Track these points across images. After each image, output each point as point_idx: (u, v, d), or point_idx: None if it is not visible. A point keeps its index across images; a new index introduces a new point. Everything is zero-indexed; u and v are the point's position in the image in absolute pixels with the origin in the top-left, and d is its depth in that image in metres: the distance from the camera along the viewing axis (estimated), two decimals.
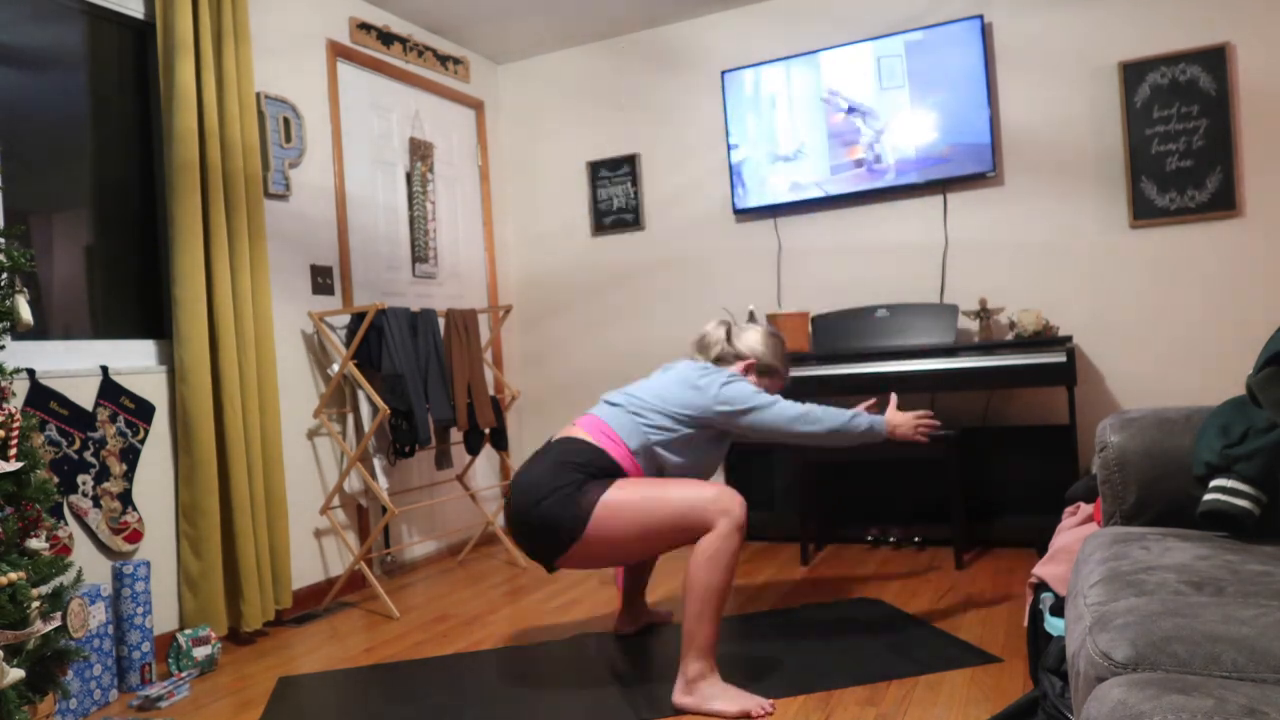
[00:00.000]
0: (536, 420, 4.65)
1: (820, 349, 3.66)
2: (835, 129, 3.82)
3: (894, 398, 2.50)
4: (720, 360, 2.52)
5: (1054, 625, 1.90)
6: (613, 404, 2.37)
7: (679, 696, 2.09)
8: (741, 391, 2.31)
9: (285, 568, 3.01)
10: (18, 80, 2.60)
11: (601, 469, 2.22)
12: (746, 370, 2.51)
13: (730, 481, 3.89)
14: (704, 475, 2.42)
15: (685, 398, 2.32)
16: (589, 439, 2.27)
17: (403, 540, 3.81)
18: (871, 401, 2.52)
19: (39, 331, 2.59)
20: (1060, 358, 3.12)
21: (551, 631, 2.79)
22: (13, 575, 1.68)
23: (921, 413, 2.42)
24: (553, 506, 2.12)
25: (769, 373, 2.54)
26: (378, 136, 3.87)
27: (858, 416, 2.35)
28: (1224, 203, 3.29)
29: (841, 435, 2.33)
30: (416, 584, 3.54)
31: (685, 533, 2.12)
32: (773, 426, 2.30)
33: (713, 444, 2.39)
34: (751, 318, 3.85)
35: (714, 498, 2.11)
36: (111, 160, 2.87)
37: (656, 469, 2.33)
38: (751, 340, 2.53)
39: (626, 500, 2.12)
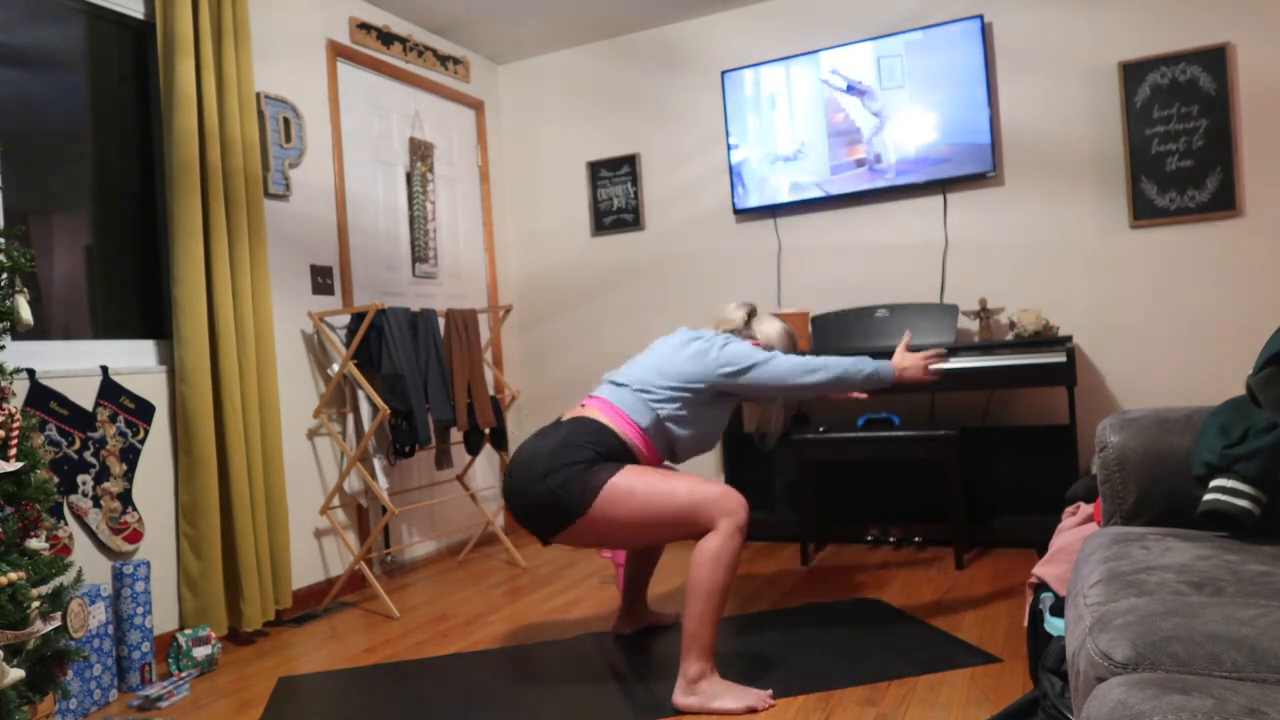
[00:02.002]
0: (536, 420, 4.65)
1: (820, 349, 3.66)
2: (835, 129, 3.82)
3: (907, 336, 2.47)
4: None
5: (1054, 625, 1.90)
6: (618, 384, 2.36)
7: (680, 697, 2.09)
8: (740, 350, 2.29)
9: (285, 568, 3.01)
10: (18, 80, 2.60)
11: (612, 449, 2.21)
12: None
13: (730, 481, 3.89)
14: (713, 441, 2.41)
15: (687, 368, 2.30)
16: (601, 418, 2.26)
17: (403, 540, 3.81)
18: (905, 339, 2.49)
19: (39, 331, 2.59)
20: (1060, 358, 3.12)
21: (551, 631, 2.79)
22: (13, 575, 1.68)
23: (931, 352, 2.39)
24: (560, 482, 2.11)
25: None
26: (378, 136, 3.87)
27: (861, 360, 2.32)
28: (1224, 203, 3.29)
29: (846, 382, 2.30)
30: (416, 584, 3.54)
31: (686, 528, 2.12)
32: (775, 381, 2.27)
33: (719, 408, 2.37)
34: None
35: (719, 497, 2.11)
36: (111, 160, 2.87)
37: (667, 443, 2.32)
38: (768, 329, 2.52)
39: (633, 488, 2.11)
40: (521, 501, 2.17)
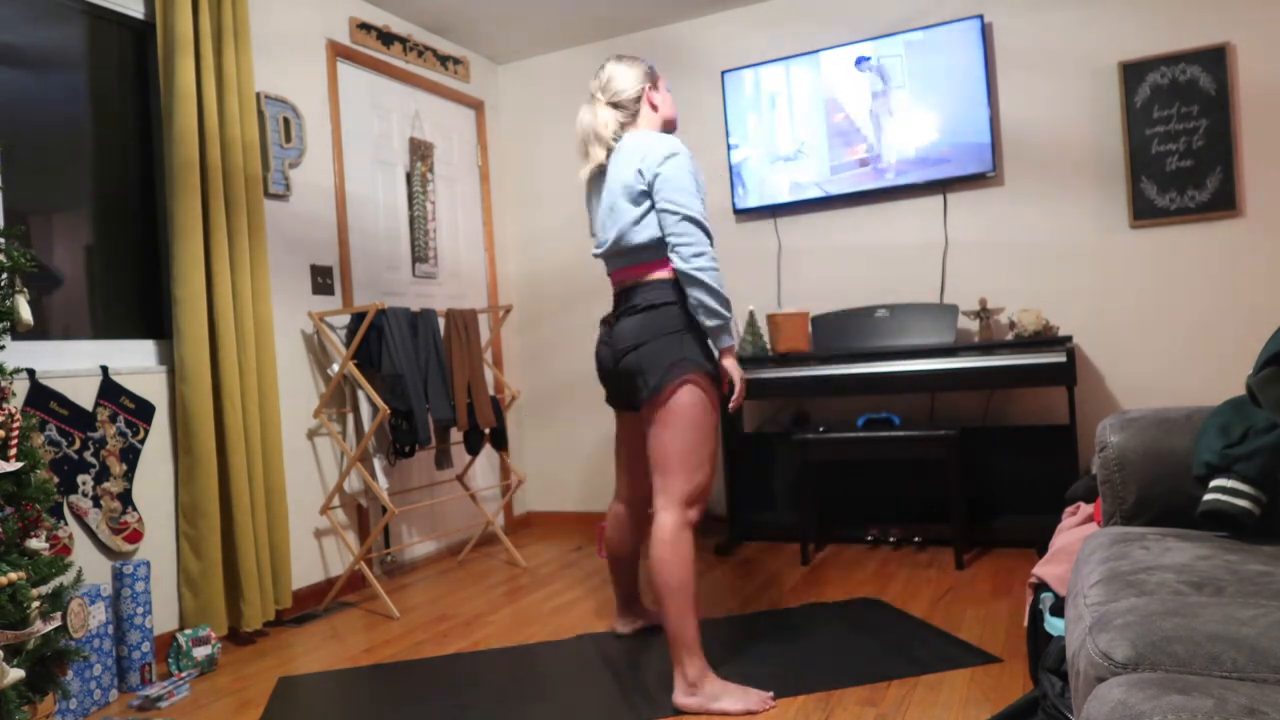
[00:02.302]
0: (536, 420, 4.65)
1: (820, 349, 3.66)
2: (835, 129, 3.82)
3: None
4: (630, 123, 2.32)
5: (1054, 625, 1.90)
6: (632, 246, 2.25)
7: (681, 698, 2.09)
8: (679, 176, 2.15)
9: (285, 568, 3.01)
10: (18, 80, 2.60)
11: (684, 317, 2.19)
12: (647, 96, 2.31)
13: (731, 481, 3.88)
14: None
15: (642, 206, 2.21)
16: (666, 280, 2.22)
17: (403, 540, 3.81)
18: None
19: (39, 331, 2.59)
20: (1060, 358, 3.12)
21: (552, 631, 2.79)
22: (13, 575, 1.68)
23: (741, 389, 2.25)
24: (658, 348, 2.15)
25: (650, 76, 2.34)
26: (378, 136, 3.87)
27: (730, 325, 2.19)
28: (1224, 203, 3.29)
29: (711, 297, 2.12)
30: (416, 584, 3.54)
31: (667, 471, 2.17)
32: (670, 195, 2.13)
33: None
34: (752, 319, 3.84)
35: (706, 483, 2.20)
36: (111, 160, 2.87)
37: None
38: (620, 79, 2.30)
39: (692, 407, 2.15)
40: (624, 356, 2.21)
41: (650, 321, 2.18)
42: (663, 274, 2.22)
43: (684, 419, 2.16)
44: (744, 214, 4.10)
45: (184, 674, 2.54)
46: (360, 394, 3.33)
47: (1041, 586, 2.06)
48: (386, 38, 3.90)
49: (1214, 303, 3.35)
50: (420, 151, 4.07)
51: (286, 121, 3.30)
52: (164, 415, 2.82)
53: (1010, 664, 2.23)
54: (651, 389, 2.15)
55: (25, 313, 1.87)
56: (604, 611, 2.96)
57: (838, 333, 3.68)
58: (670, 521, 2.15)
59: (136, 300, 2.92)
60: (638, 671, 2.37)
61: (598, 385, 4.48)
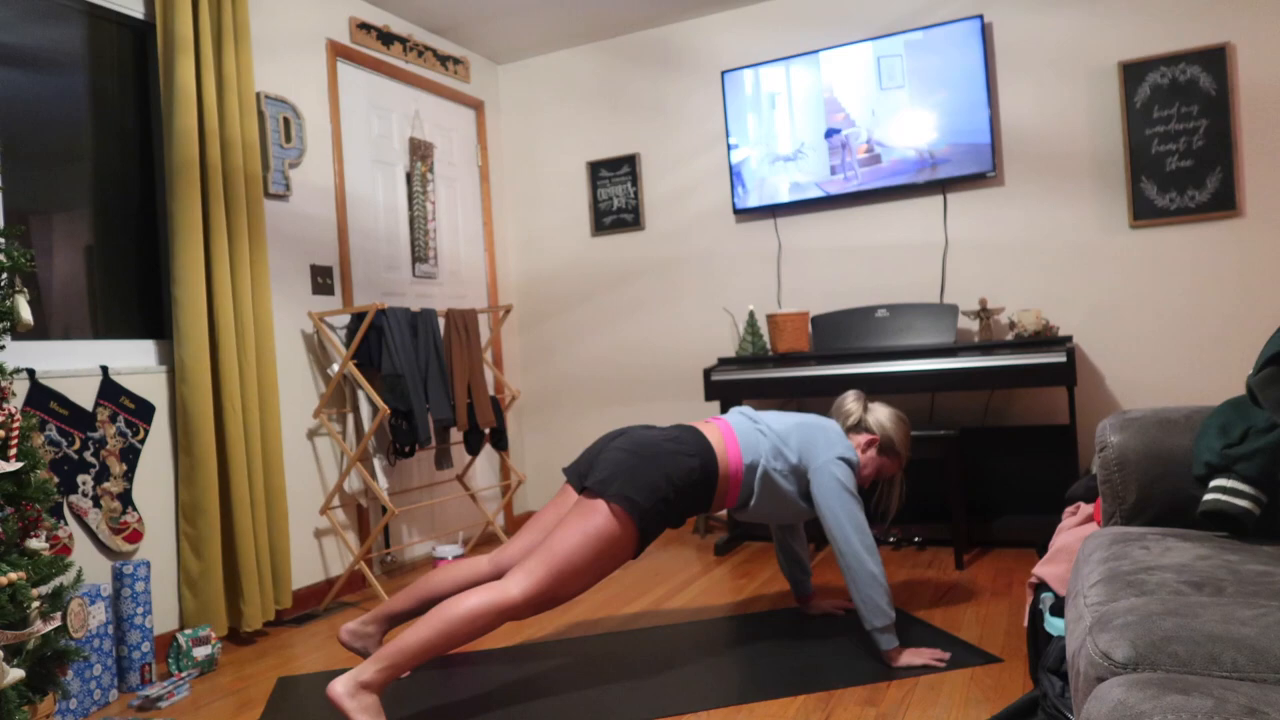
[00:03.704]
0: (536, 420, 4.65)
1: (820, 349, 3.66)
2: (835, 129, 3.82)
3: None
4: (852, 430, 2.59)
5: (1054, 625, 1.90)
6: (753, 421, 2.48)
7: (340, 687, 1.96)
8: (833, 470, 2.38)
9: (285, 568, 3.01)
10: (18, 80, 2.60)
11: (695, 480, 2.27)
12: (869, 444, 2.56)
13: None
14: (781, 518, 2.50)
15: (803, 445, 2.43)
16: (710, 439, 2.36)
17: (403, 540, 3.81)
18: None
19: (39, 331, 2.59)
20: (1060, 358, 3.12)
21: (551, 631, 2.79)
22: (13, 575, 1.68)
23: (937, 653, 2.31)
24: (637, 474, 2.18)
25: (890, 452, 2.58)
26: (378, 136, 3.87)
27: (888, 603, 2.28)
28: (1224, 203, 3.29)
29: (861, 577, 2.28)
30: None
31: (547, 561, 2.11)
32: (822, 501, 2.37)
33: (798, 495, 2.44)
34: (752, 319, 3.84)
35: (547, 588, 2.08)
36: (111, 160, 2.87)
37: (751, 492, 2.40)
38: (882, 416, 2.59)
39: (599, 532, 2.13)
40: (604, 457, 2.25)
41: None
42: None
43: (600, 531, 2.13)
44: (744, 214, 4.10)
45: (184, 674, 2.54)
46: (360, 394, 3.33)
47: (1041, 586, 2.06)
48: (386, 38, 3.90)
49: (1214, 303, 3.35)
50: (420, 151, 4.07)
51: (286, 121, 3.30)
52: (164, 415, 2.82)
53: (1010, 664, 2.23)
54: (598, 484, 2.17)
55: (25, 313, 1.87)
56: (604, 611, 2.96)
57: (838, 333, 3.68)
58: (504, 597, 2.03)
59: (136, 300, 2.92)
60: (638, 671, 2.37)
61: (598, 385, 4.49)
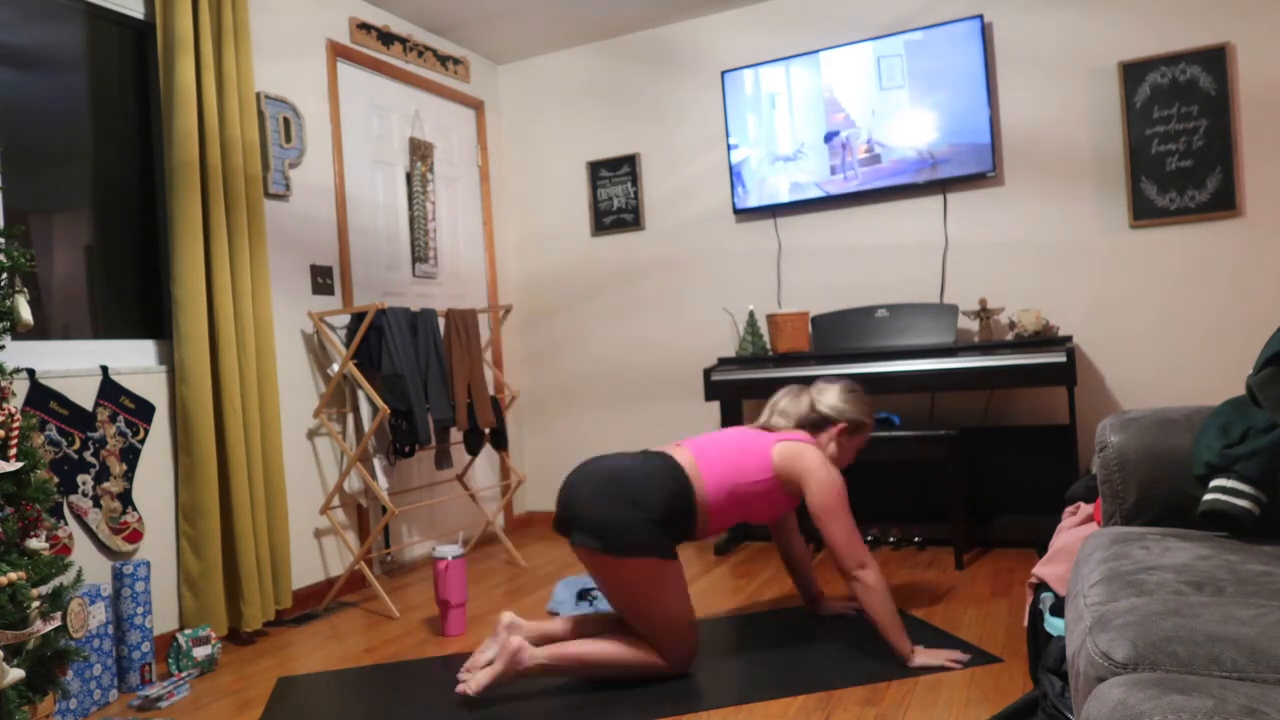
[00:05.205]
0: (536, 420, 4.65)
1: (820, 349, 3.66)
2: (835, 129, 3.82)
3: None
4: (809, 427, 2.54)
5: (1054, 625, 1.90)
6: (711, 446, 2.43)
7: (512, 617, 2.27)
8: (820, 477, 2.34)
9: (285, 568, 3.01)
10: (18, 80, 2.60)
11: (679, 510, 2.27)
12: (839, 434, 2.53)
13: None
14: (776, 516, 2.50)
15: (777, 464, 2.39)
16: (685, 469, 2.32)
17: (403, 540, 3.81)
18: None
19: (39, 331, 2.59)
20: (1060, 358, 3.12)
21: None
22: (13, 575, 1.68)
23: (954, 654, 2.29)
24: (618, 519, 2.19)
25: (859, 429, 2.56)
26: (378, 136, 3.87)
27: (896, 615, 2.29)
28: (1224, 203, 3.29)
29: (883, 605, 2.27)
30: (416, 584, 3.54)
31: (646, 632, 2.25)
32: (819, 503, 2.32)
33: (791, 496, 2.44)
34: (752, 319, 3.84)
35: (678, 641, 2.23)
36: (111, 160, 2.87)
37: (738, 506, 2.38)
38: (833, 399, 2.54)
39: (643, 582, 2.19)
40: (573, 512, 2.25)
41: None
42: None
43: (649, 581, 2.23)
44: (744, 214, 4.10)
45: (184, 674, 2.54)
46: (360, 394, 3.33)
47: (1041, 586, 2.06)
48: (386, 38, 3.90)
49: (1214, 303, 3.35)
50: (420, 151, 4.07)
51: (286, 121, 3.30)
52: (164, 415, 2.82)
53: (1010, 664, 2.23)
54: (603, 548, 2.22)
55: (25, 313, 1.87)
56: (603, 612, 2.96)
57: (838, 333, 3.68)
58: (660, 662, 2.27)
59: (136, 300, 2.92)
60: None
61: (598, 385, 4.49)
